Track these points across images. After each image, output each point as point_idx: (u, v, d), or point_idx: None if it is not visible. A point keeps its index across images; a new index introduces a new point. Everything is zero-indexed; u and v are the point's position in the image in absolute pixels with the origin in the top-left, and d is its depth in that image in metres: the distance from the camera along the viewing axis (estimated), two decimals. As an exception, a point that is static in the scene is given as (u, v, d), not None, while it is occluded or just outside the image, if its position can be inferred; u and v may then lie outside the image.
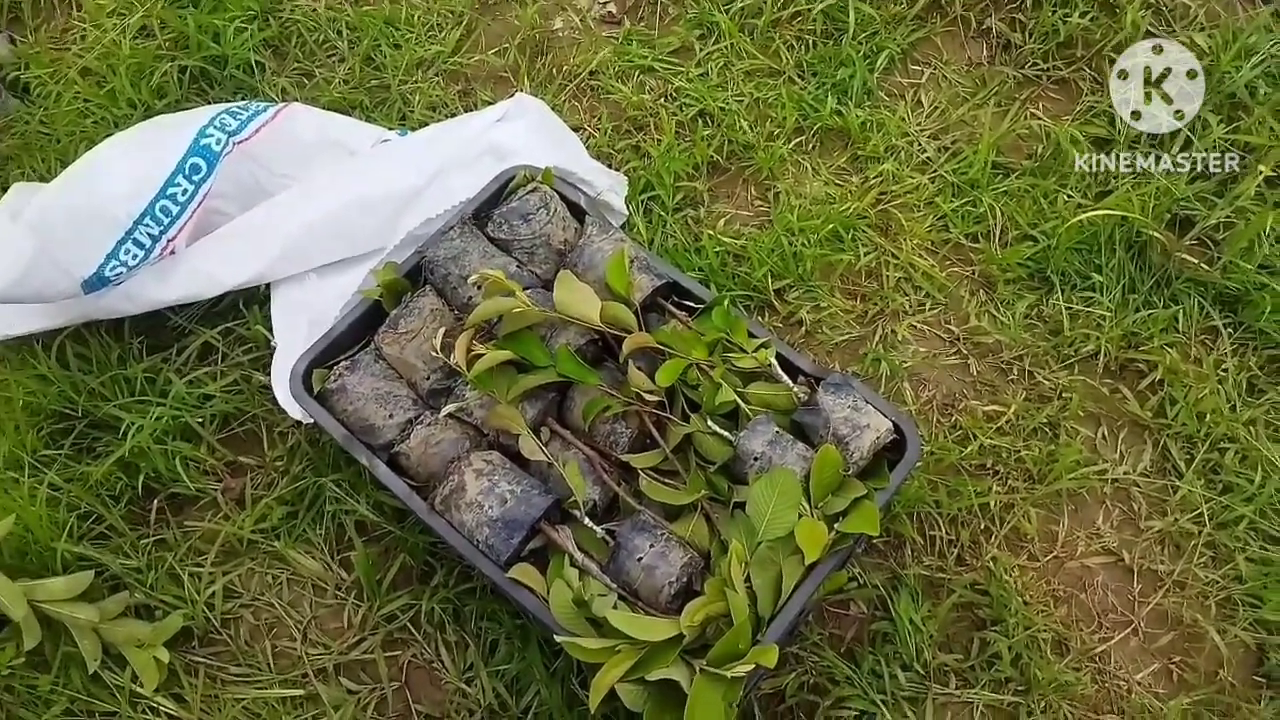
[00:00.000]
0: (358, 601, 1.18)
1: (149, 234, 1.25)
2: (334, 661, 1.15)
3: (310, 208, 1.32)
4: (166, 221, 1.26)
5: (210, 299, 1.31)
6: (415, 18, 1.66)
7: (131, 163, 1.26)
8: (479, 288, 1.12)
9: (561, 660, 1.11)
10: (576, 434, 1.09)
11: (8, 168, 1.53)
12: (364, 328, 1.15)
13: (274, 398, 1.25)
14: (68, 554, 1.15)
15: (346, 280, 1.31)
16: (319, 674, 1.14)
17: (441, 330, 1.10)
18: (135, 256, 1.23)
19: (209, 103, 1.54)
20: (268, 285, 1.33)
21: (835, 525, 0.97)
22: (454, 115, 1.54)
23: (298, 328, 1.26)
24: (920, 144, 1.51)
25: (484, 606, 1.15)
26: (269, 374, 1.27)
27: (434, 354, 1.10)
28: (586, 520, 1.03)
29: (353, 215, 1.32)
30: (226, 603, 1.17)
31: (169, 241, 1.27)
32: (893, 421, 1.04)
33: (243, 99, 1.53)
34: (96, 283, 1.21)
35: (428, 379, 1.11)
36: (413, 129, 1.49)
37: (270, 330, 1.30)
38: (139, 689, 1.11)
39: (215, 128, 1.31)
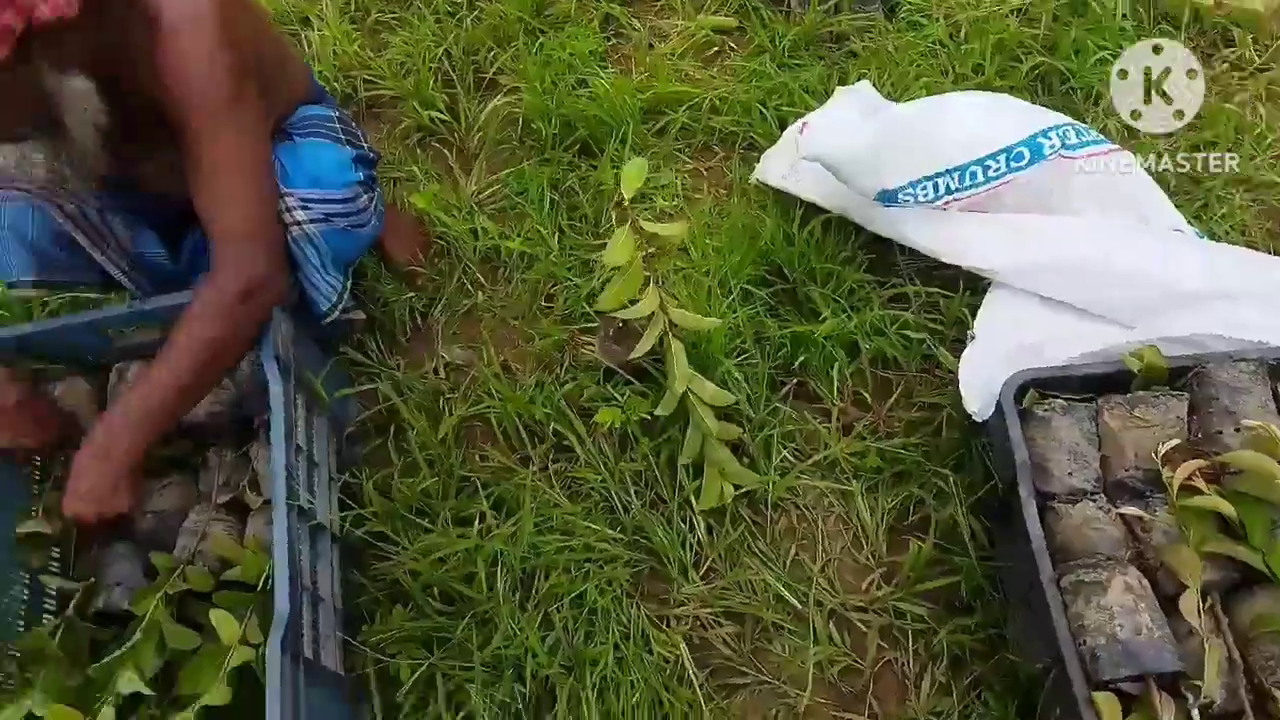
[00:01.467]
0: (884, 581, 1.21)
1: (946, 185, 1.34)
2: (831, 606, 1.20)
3: (1074, 245, 1.32)
4: (966, 184, 1.34)
5: (937, 262, 1.39)
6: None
7: (979, 123, 1.35)
8: (1236, 429, 1.02)
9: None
10: (1236, 631, 0.97)
11: (854, 63, 1.71)
12: (1093, 384, 1.12)
13: (940, 373, 1.31)
14: (725, 374, 1.34)
15: (1061, 322, 1.30)
16: (817, 604, 1.21)
17: (1173, 442, 1.04)
18: (925, 195, 1.34)
19: (1039, 104, 1.58)
20: (989, 282, 1.37)
21: None
22: (1253, 247, 1.41)
23: (1002, 336, 1.29)
24: None
25: (992, 672, 1.11)
26: (946, 352, 1.34)
27: (1153, 456, 1.04)
28: (1195, 713, 0.92)
29: (1112, 277, 1.29)
30: (784, 493, 1.28)
31: (953, 199, 1.35)
32: None
33: (1068, 116, 1.55)
34: (887, 197, 1.35)
35: (1126, 470, 1.05)
36: (1204, 236, 1.40)
37: (971, 319, 1.34)
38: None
39: (1055, 133, 1.35)
